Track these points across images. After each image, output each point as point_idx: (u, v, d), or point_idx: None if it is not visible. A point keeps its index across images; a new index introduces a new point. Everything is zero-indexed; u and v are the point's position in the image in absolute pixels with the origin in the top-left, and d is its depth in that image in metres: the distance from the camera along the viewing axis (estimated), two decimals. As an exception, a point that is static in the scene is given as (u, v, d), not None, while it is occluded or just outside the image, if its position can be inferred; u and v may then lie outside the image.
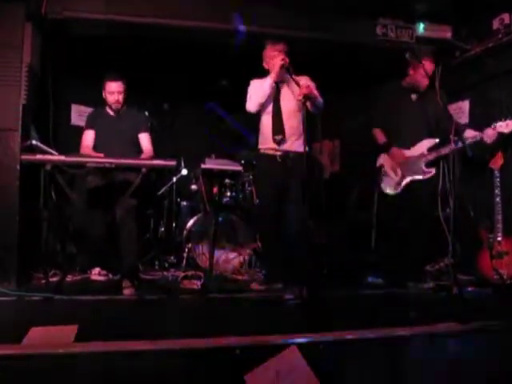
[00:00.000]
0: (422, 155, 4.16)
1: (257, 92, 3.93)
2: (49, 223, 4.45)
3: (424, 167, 4.14)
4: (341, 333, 2.33)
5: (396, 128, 4.27)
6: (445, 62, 5.42)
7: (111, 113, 4.17)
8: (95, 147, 4.11)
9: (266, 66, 4.00)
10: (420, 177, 4.13)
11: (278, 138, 3.92)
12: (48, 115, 4.82)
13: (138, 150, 4.13)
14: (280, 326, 2.67)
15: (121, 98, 4.08)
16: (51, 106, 4.88)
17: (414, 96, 4.33)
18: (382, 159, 4.33)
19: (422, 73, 4.12)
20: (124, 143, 4.05)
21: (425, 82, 4.23)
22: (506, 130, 3.97)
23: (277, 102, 3.98)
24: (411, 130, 4.25)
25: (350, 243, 5.13)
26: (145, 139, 4.15)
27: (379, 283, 3.86)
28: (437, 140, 4.17)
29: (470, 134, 4.12)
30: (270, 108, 3.98)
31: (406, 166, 4.18)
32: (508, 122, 4.00)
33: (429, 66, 4.18)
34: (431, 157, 4.14)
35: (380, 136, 4.31)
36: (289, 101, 3.96)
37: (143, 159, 3.88)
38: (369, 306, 3.49)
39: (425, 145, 4.19)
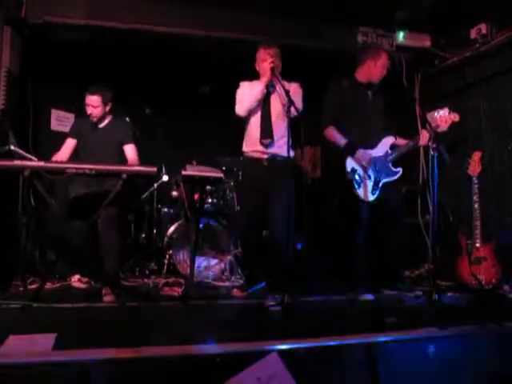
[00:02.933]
0: (386, 154, 4.10)
1: (247, 96, 3.91)
2: (27, 230, 4.39)
3: (392, 167, 4.10)
4: (321, 339, 2.33)
5: (353, 126, 4.02)
6: (424, 70, 5.53)
7: (96, 123, 4.09)
8: (77, 157, 4.04)
9: (257, 68, 4.00)
10: (392, 178, 4.07)
11: (266, 141, 3.90)
12: (27, 120, 4.77)
13: (122, 160, 4.07)
14: (261, 332, 2.67)
15: (96, 111, 3.99)
16: (31, 111, 4.84)
17: (369, 92, 4.17)
18: (352, 163, 3.98)
19: (382, 64, 4.09)
20: (108, 154, 3.98)
21: (383, 73, 4.13)
22: (444, 126, 3.94)
23: (266, 105, 3.95)
24: (370, 127, 4.09)
25: (330, 249, 5.14)
26: (130, 150, 4.08)
27: (369, 299, 3.85)
28: (394, 138, 4.16)
29: (400, 141, 4.16)
30: (258, 111, 3.96)
31: (376, 168, 4.02)
32: (441, 116, 3.97)
33: (386, 58, 4.14)
34: (395, 155, 4.10)
35: (338, 137, 3.99)
36: (277, 104, 3.94)
37: (124, 165, 3.84)
38: (349, 311, 3.51)
39: (387, 143, 4.13)
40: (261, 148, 3.93)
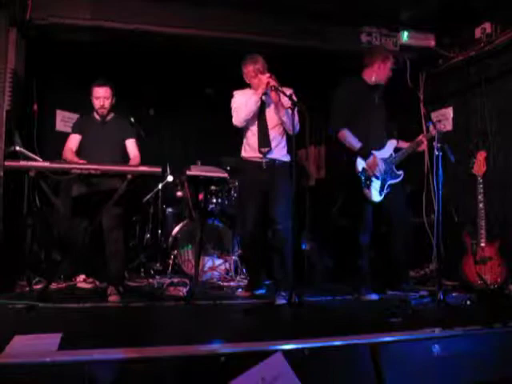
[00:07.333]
0: (391, 157, 4.12)
1: (242, 108, 3.91)
2: (33, 230, 4.41)
3: (395, 169, 4.11)
4: (326, 338, 2.33)
5: (361, 128, 4.01)
6: (428, 69, 5.52)
7: (98, 119, 4.08)
8: (81, 153, 4.04)
9: (246, 80, 4.00)
10: (396, 180, 4.09)
11: (265, 150, 3.93)
12: (32, 121, 4.79)
13: (124, 156, 4.09)
14: (265, 332, 2.68)
15: (107, 103, 3.99)
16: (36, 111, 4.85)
17: (376, 93, 4.17)
18: (362, 164, 3.96)
19: (389, 67, 4.09)
20: (111, 149, 4.00)
21: (390, 74, 4.14)
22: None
23: (262, 115, 3.98)
24: (376, 130, 4.11)
25: (334, 249, 5.14)
26: (132, 145, 4.10)
27: (374, 299, 3.84)
28: (396, 141, 4.18)
29: (403, 144, 4.21)
30: (255, 121, 3.98)
31: (382, 170, 4.00)
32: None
33: (392, 59, 4.17)
34: (398, 158, 4.12)
35: (353, 139, 3.96)
36: (274, 113, 3.96)
37: (129, 165, 3.85)
38: (353, 311, 3.51)
39: (391, 146, 4.15)
40: (260, 155, 3.96)
